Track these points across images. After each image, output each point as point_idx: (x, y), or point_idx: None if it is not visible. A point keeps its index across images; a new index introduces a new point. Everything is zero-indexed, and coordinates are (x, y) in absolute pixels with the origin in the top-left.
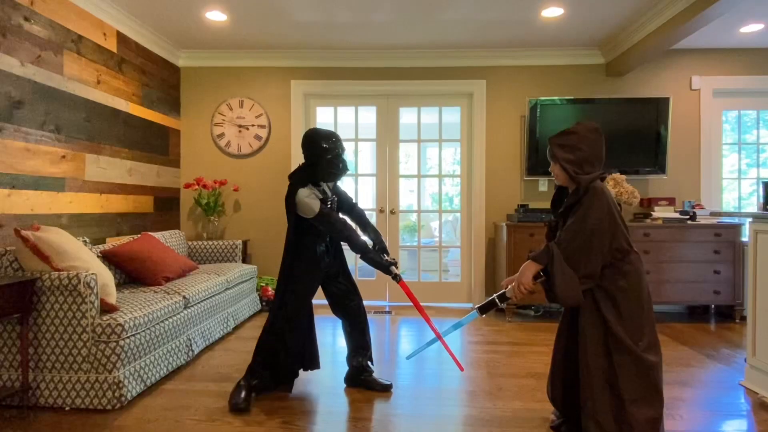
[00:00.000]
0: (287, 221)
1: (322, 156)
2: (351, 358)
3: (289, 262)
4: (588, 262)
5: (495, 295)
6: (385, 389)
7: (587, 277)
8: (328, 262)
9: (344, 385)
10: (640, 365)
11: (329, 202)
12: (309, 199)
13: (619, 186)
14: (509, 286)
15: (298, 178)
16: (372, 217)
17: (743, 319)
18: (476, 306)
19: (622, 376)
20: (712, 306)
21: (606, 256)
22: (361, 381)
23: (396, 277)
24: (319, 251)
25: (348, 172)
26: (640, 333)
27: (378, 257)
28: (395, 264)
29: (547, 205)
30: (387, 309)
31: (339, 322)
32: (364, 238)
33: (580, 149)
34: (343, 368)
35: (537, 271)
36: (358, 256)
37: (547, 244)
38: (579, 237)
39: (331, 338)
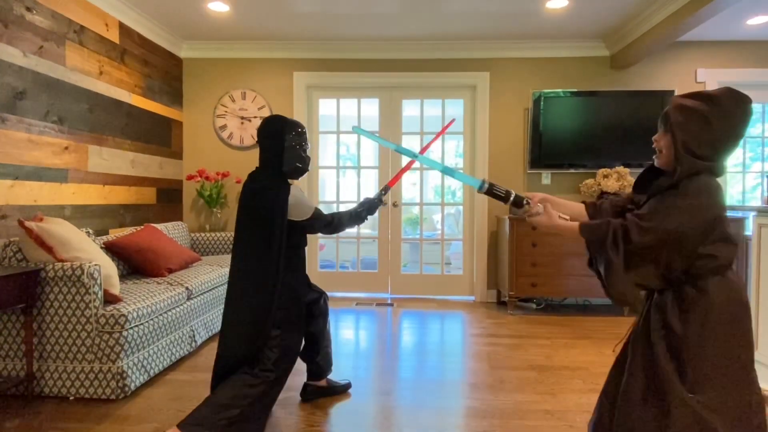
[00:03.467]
0: (260, 243)
1: (290, 148)
2: (317, 358)
3: (287, 294)
4: (645, 272)
5: (514, 193)
6: (347, 389)
7: (637, 285)
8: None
9: (342, 381)
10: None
11: None
12: (302, 194)
13: (623, 179)
14: (538, 204)
15: (272, 179)
16: None
17: None
18: (489, 183)
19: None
20: None
21: (673, 269)
22: (322, 389)
23: (386, 190)
24: (304, 281)
25: (307, 171)
26: (700, 383)
27: (365, 206)
28: (380, 194)
29: None
30: (389, 301)
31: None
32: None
33: (711, 125)
34: (342, 359)
35: (570, 234)
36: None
37: (613, 221)
38: (649, 235)
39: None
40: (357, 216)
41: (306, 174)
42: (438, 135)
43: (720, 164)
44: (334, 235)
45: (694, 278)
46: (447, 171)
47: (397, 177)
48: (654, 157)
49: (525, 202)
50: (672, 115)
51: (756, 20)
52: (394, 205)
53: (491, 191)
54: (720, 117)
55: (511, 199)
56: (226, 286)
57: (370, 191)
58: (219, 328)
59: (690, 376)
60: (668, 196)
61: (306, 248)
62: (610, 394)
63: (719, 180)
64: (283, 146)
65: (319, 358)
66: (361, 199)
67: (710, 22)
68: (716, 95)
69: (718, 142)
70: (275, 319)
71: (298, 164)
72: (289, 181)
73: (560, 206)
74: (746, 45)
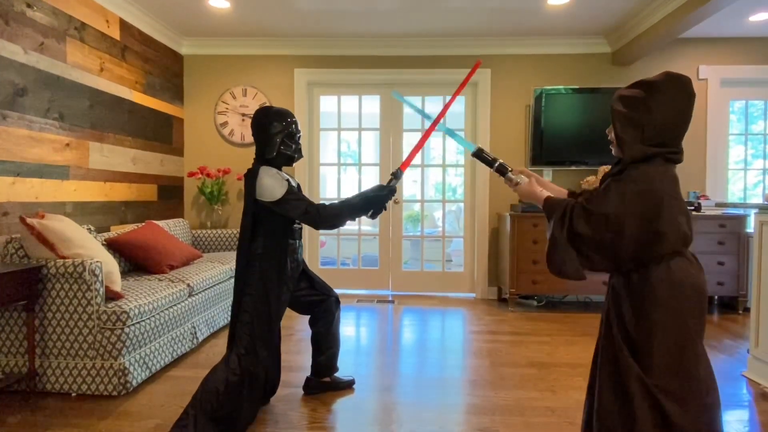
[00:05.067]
0: (243, 225)
1: (274, 136)
2: (320, 358)
3: (257, 282)
4: (587, 257)
5: (500, 161)
6: (350, 385)
7: (584, 266)
8: (292, 274)
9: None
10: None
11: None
12: (273, 178)
13: None
14: (520, 176)
15: (256, 164)
16: None
17: (746, 310)
18: (480, 147)
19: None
20: (716, 297)
21: (621, 254)
22: (325, 384)
23: (398, 174)
24: (290, 266)
25: (301, 158)
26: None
27: (371, 201)
28: (390, 183)
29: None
30: (390, 298)
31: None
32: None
33: (650, 111)
34: (343, 356)
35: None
36: (369, 214)
37: (569, 201)
38: (590, 217)
39: None
40: (354, 209)
41: (306, 167)
42: (462, 85)
43: (674, 149)
44: (335, 232)
45: (640, 266)
46: (449, 132)
47: (411, 156)
48: (610, 147)
49: (510, 170)
50: (614, 105)
51: (758, 17)
52: (395, 202)
53: (480, 155)
54: (661, 102)
55: (496, 165)
56: (227, 283)
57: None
58: (220, 324)
59: (645, 363)
60: (612, 182)
61: (298, 242)
62: (591, 392)
63: (679, 166)
64: (267, 135)
65: (321, 358)
66: (368, 188)
67: (712, 18)
68: (655, 81)
69: (663, 126)
70: (243, 303)
71: (282, 151)
72: (283, 170)
73: (545, 185)
74: (748, 42)
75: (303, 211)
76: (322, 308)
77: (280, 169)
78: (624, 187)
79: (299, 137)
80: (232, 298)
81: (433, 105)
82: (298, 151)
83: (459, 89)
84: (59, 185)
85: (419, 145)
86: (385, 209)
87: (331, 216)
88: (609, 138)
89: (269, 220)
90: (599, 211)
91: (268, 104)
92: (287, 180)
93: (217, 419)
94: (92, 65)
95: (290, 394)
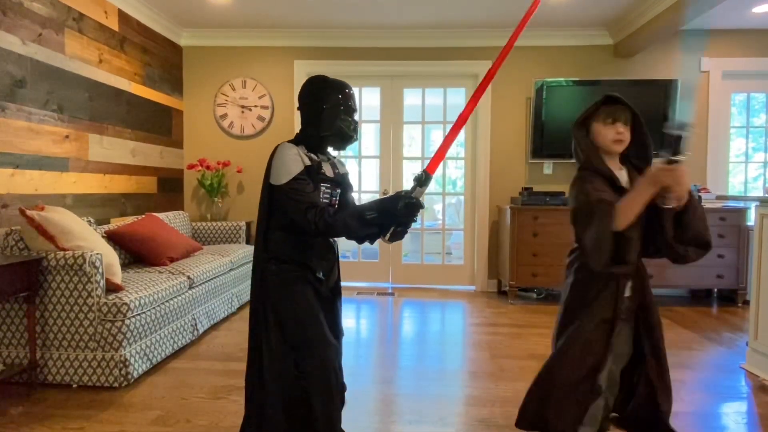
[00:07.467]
0: (259, 218)
1: (331, 109)
2: None
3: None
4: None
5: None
6: None
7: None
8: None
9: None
10: None
11: (328, 192)
12: (290, 156)
13: None
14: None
15: (291, 141)
16: None
17: (746, 303)
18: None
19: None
20: (715, 290)
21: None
22: None
23: (423, 178)
24: (320, 272)
25: (357, 140)
26: None
27: (382, 209)
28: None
29: (550, 188)
30: (390, 291)
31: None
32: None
33: None
34: (343, 349)
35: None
36: (386, 238)
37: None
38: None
39: None
40: (362, 222)
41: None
42: (525, 19)
43: None
44: None
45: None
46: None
47: (442, 152)
48: (616, 146)
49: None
50: (636, 111)
51: (761, 8)
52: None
53: (682, 134)
54: None
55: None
56: (227, 275)
57: (371, 182)
58: (221, 317)
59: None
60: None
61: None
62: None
63: None
64: (322, 109)
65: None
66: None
67: (715, 10)
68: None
69: None
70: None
71: (341, 126)
72: (334, 151)
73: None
74: (751, 33)
75: (303, 213)
76: None
77: (323, 151)
78: None
79: (355, 114)
80: (236, 288)
81: (434, 97)
82: (355, 130)
83: (521, 25)
84: (59, 177)
85: (461, 120)
86: (404, 230)
87: (340, 227)
88: (624, 138)
89: (279, 209)
90: None
91: (268, 96)
92: (310, 166)
93: None
94: (91, 56)
95: None
